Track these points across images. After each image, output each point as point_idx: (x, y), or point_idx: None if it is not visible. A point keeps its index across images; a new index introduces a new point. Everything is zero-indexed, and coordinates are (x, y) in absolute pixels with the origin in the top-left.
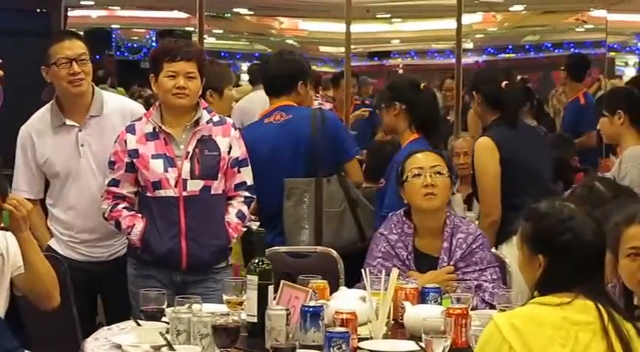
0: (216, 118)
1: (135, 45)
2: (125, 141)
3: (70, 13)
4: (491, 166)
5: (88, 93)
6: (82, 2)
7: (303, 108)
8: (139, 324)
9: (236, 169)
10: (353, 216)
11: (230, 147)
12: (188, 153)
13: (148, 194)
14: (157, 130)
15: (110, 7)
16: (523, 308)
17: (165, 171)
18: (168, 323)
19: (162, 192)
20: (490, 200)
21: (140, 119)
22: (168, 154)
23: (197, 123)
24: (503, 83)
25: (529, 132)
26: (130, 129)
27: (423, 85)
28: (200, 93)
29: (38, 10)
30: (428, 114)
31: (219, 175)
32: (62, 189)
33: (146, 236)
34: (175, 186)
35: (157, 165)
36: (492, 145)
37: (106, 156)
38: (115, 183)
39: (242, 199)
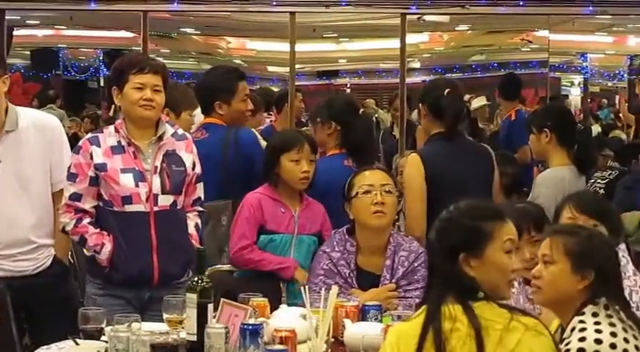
0: (180, 132)
1: (82, 64)
2: (91, 154)
3: (15, 32)
4: (415, 183)
5: (2, 109)
6: (27, 21)
7: (223, 128)
8: (77, 343)
9: (196, 186)
10: None
11: (194, 164)
12: (156, 167)
13: (115, 208)
14: (124, 144)
15: (56, 27)
16: (411, 320)
17: (136, 185)
18: (107, 342)
19: (132, 207)
20: (414, 217)
21: (102, 131)
22: (137, 168)
23: (161, 137)
24: (446, 91)
25: (465, 148)
26: (94, 141)
27: (362, 110)
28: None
29: None
30: (361, 140)
31: (183, 190)
32: None
33: (114, 255)
34: (147, 200)
35: (127, 179)
36: (418, 161)
37: (26, 171)
38: (77, 197)
39: (197, 213)
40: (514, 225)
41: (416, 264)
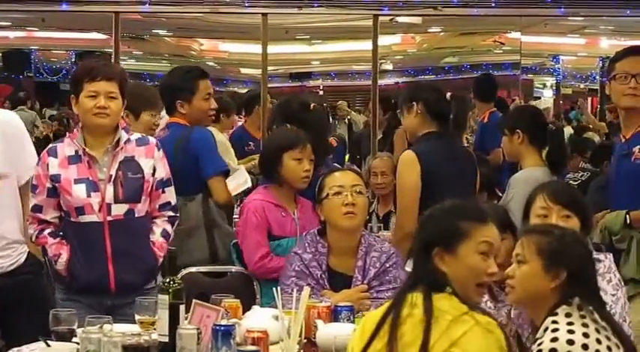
0: (135, 137)
1: (55, 66)
2: (47, 165)
3: None
4: (409, 180)
5: None
6: None
7: (180, 128)
8: (48, 345)
9: (161, 190)
10: (208, 237)
11: (154, 169)
12: (111, 176)
13: (72, 219)
14: (80, 153)
15: (28, 28)
16: (381, 306)
17: (88, 195)
18: (78, 343)
19: (86, 217)
20: (405, 213)
21: (62, 141)
22: (91, 178)
23: (117, 144)
24: (448, 94)
25: (455, 148)
26: (52, 152)
27: (312, 104)
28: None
29: None
30: (317, 133)
31: (143, 197)
32: None
33: (71, 264)
34: (99, 210)
35: (80, 190)
36: (414, 158)
37: None
38: (38, 208)
39: (166, 218)
40: None
41: (387, 265)
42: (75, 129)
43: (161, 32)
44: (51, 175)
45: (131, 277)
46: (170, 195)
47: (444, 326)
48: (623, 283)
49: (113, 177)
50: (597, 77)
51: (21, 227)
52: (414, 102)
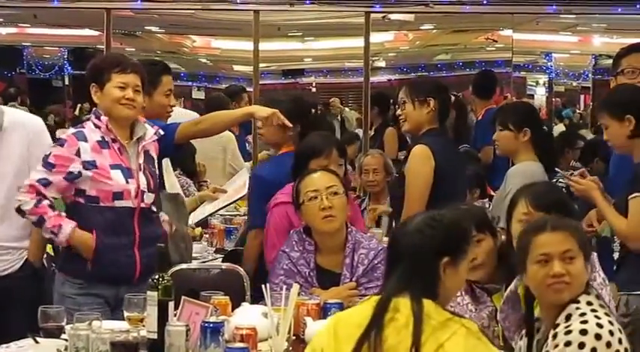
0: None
1: (47, 63)
2: (78, 150)
3: None
4: (423, 171)
5: None
6: None
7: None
8: (37, 342)
9: None
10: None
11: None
12: (140, 165)
13: (103, 204)
14: (108, 140)
15: (20, 25)
16: (353, 307)
17: (127, 182)
18: (67, 340)
19: (122, 203)
20: (415, 204)
21: (83, 127)
22: (124, 165)
23: (143, 137)
24: (453, 98)
25: (454, 145)
26: (81, 137)
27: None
28: None
29: None
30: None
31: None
32: None
33: (99, 251)
34: (135, 197)
35: (118, 175)
36: (429, 153)
37: (5, 169)
38: (46, 182)
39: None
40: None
41: (376, 262)
42: (97, 118)
43: (153, 29)
44: (85, 161)
45: (151, 264)
46: None
47: (429, 328)
48: (607, 282)
49: (142, 167)
50: (590, 75)
51: (22, 233)
52: (431, 99)
